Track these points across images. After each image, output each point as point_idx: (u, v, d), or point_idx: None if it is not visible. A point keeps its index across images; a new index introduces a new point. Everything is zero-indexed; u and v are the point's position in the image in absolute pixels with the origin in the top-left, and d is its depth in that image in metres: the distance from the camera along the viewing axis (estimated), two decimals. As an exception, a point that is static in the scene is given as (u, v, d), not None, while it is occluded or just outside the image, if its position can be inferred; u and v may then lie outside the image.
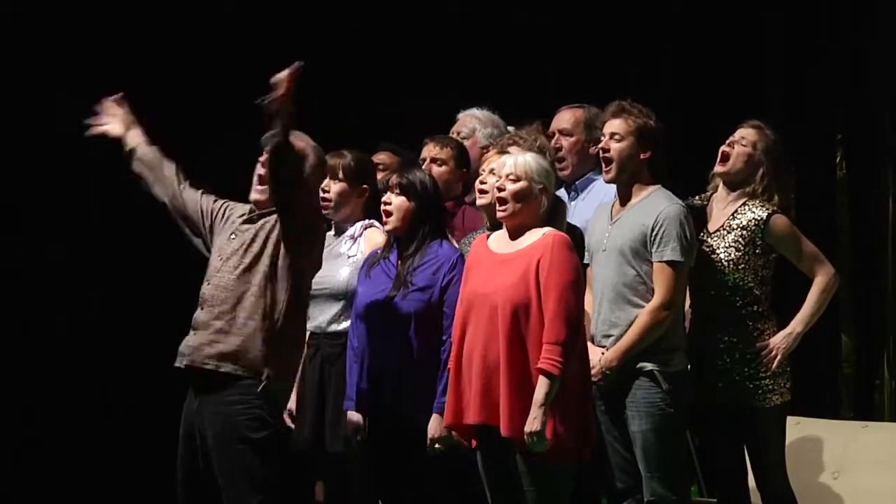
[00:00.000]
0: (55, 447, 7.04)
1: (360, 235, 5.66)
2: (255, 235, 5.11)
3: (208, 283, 5.13)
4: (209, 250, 5.25)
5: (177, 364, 5.10)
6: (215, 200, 5.33)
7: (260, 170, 5.16)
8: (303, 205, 5.04)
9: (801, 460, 5.86)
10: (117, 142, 5.38)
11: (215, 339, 5.04)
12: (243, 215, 5.21)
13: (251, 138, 5.32)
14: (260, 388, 4.98)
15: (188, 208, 5.32)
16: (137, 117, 5.43)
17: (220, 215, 5.28)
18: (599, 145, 5.39)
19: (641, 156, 5.34)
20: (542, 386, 4.87)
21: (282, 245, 5.05)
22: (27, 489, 6.96)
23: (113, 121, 5.42)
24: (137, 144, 5.39)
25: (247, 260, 5.08)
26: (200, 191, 5.35)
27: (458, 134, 6.25)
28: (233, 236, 5.17)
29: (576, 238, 5.40)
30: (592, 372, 5.19)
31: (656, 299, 5.23)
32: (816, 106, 7.32)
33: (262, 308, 5.03)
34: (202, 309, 5.11)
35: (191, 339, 5.10)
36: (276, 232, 5.07)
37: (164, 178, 5.35)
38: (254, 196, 5.20)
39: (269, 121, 4.86)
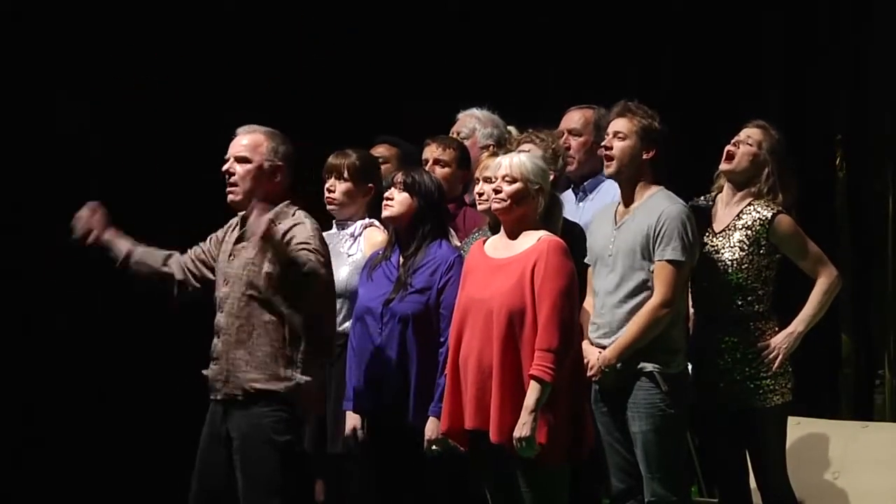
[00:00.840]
0: (55, 447, 7.04)
1: (360, 235, 5.66)
2: (255, 255, 5.08)
3: (221, 311, 5.13)
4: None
5: (211, 397, 5.11)
6: (209, 241, 5.30)
7: (229, 178, 5.15)
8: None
9: (801, 460, 5.86)
10: (106, 245, 5.32)
11: (239, 369, 5.04)
12: (236, 238, 5.18)
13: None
14: (288, 404, 5.00)
15: (197, 273, 5.27)
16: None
17: (215, 247, 5.26)
18: (603, 143, 5.41)
19: (644, 155, 5.34)
20: (532, 392, 4.87)
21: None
22: (27, 489, 6.95)
23: (98, 226, 5.30)
24: (129, 249, 5.31)
25: (254, 282, 5.06)
26: (191, 250, 5.32)
27: (458, 134, 6.25)
28: (231, 257, 5.16)
29: (575, 235, 5.41)
30: (591, 372, 5.20)
31: (656, 297, 5.23)
32: (816, 106, 7.32)
33: (280, 336, 5.03)
34: (219, 338, 5.11)
35: (215, 371, 5.10)
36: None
37: (162, 268, 5.29)
38: (230, 199, 5.18)
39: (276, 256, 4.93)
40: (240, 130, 5.24)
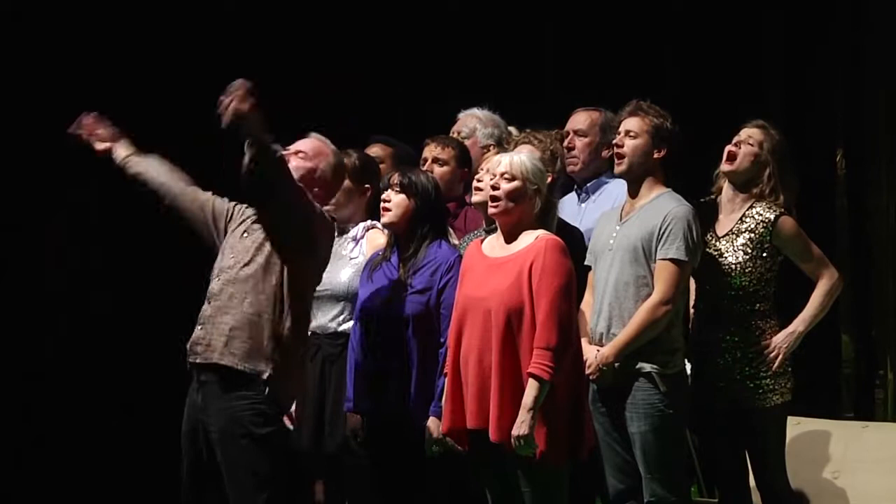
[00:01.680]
0: (55, 447, 7.03)
1: (363, 237, 5.66)
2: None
3: (218, 279, 5.14)
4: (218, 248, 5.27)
5: (189, 360, 5.11)
6: (227, 201, 5.34)
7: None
8: (292, 205, 5.03)
9: (801, 460, 5.85)
10: (104, 154, 5.39)
11: (223, 334, 5.04)
12: (253, 215, 5.22)
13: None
14: (265, 387, 5.00)
15: (196, 210, 5.32)
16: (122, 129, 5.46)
17: (232, 215, 5.30)
18: (614, 141, 5.42)
19: (655, 154, 5.36)
20: (531, 390, 4.86)
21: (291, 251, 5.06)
22: (27, 489, 6.95)
23: (97, 137, 5.41)
24: (130, 154, 5.38)
25: (260, 259, 5.09)
26: (210, 193, 5.36)
27: (459, 134, 6.25)
28: (245, 234, 5.18)
29: (575, 238, 5.41)
30: (589, 370, 5.20)
31: (655, 295, 5.23)
32: (816, 106, 7.32)
33: (271, 305, 5.05)
34: (209, 304, 5.12)
35: (198, 335, 5.11)
36: None
37: (166, 181, 5.34)
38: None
39: (237, 130, 4.84)
40: (312, 133, 5.30)
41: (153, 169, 5.34)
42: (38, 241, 7.03)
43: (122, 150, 5.38)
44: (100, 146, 5.40)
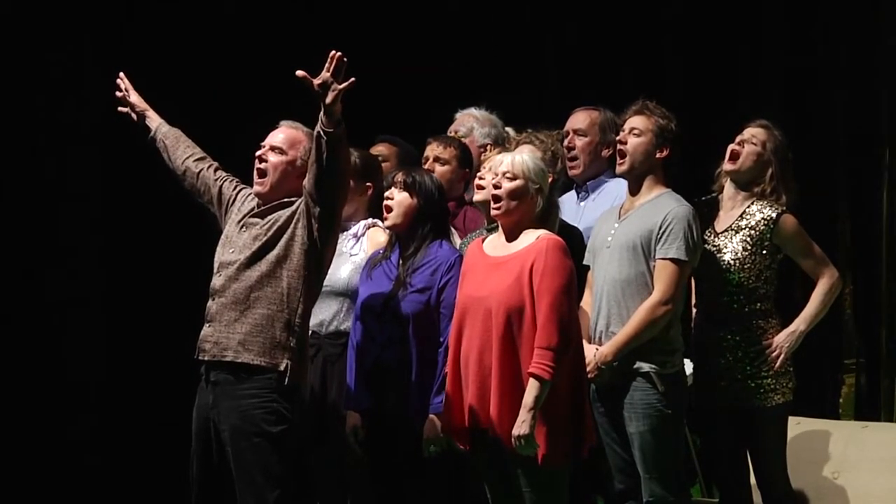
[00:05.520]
0: (56, 447, 7.02)
1: (363, 235, 5.66)
2: (269, 228, 5.12)
3: (219, 275, 5.14)
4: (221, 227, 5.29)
5: (199, 357, 5.10)
6: (234, 186, 5.34)
7: (259, 164, 5.18)
8: (344, 196, 5.11)
9: (801, 460, 5.86)
10: (136, 118, 5.50)
11: (233, 329, 5.04)
12: (253, 209, 5.21)
13: (248, 134, 5.34)
14: (286, 379, 4.99)
15: (203, 189, 5.35)
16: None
17: (234, 201, 5.30)
18: (617, 138, 5.42)
19: (658, 154, 5.36)
20: (531, 390, 4.85)
21: (310, 234, 5.05)
22: (33, 490, 6.94)
23: (135, 96, 5.52)
24: (158, 124, 5.47)
25: (261, 252, 5.08)
26: (218, 174, 5.37)
27: (456, 133, 6.25)
28: (243, 229, 5.18)
29: (575, 238, 5.40)
30: (588, 369, 5.20)
31: (655, 295, 5.23)
32: (817, 105, 7.32)
33: (279, 297, 5.04)
34: (214, 300, 5.12)
35: (207, 332, 5.10)
36: (291, 223, 5.09)
37: (178, 156, 5.39)
38: (256, 189, 5.21)
39: (324, 111, 4.90)
40: (283, 123, 5.27)
41: (167, 149, 5.41)
42: (37, 237, 7.01)
43: (152, 118, 5.49)
44: (139, 106, 5.51)
